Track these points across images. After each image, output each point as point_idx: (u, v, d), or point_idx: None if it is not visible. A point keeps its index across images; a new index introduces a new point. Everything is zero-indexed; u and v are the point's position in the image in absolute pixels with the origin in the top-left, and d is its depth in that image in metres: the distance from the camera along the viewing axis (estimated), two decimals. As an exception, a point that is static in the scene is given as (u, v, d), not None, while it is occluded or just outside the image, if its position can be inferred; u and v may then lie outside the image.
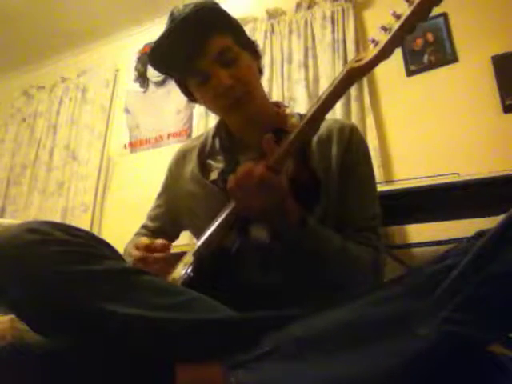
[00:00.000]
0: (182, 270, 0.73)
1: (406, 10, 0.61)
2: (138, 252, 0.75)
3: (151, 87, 2.96)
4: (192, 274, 0.72)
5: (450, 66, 2.06)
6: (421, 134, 2.03)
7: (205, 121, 2.53)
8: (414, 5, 0.60)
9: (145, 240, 0.78)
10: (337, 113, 2.08)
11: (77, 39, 3.25)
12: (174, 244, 0.98)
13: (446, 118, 2.00)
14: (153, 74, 2.94)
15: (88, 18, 3.03)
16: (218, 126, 0.95)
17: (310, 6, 2.44)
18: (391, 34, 0.62)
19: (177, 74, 0.89)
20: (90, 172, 2.89)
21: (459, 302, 0.49)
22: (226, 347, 0.54)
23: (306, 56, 2.34)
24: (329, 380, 0.48)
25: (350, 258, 0.74)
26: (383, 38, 0.63)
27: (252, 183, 0.66)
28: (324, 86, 2.20)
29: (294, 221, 0.69)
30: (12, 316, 0.63)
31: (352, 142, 0.85)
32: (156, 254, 0.74)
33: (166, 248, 0.75)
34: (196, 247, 0.74)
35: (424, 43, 2.14)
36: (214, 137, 0.95)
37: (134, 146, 2.91)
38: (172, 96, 2.79)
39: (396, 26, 0.62)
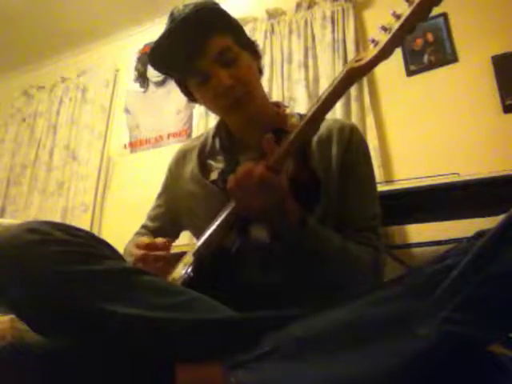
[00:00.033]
0: (181, 270, 0.73)
1: (405, 10, 0.61)
2: (138, 250, 0.75)
3: (151, 87, 2.96)
4: (192, 274, 0.72)
5: (450, 65, 2.06)
6: (421, 134, 2.03)
7: (205, 121, 2.53)
8: (414, 5, 0.60)
9: (146, 239, 0.78)
10: (337, 113, 2.08)
11: (77, 39, 3.25)
12: (173, 244, 0.98)
13: (446, 118, 2.00)
14: (153, 74, 2.94)
15: (88, 18, 3.03)
16: (218, 126, 0.95)
17: (310, 6, 2.44)
18: (391, 33, 0.62)
19: (177, 74, 0.89)
20: (90, 172, 2.89)
21: (459, 301, 0.49)
22: (226, 347, 0.54)
23: (305, 56, 2.34)
24: (329, 380, 0.48)
25: (350, 258, 0.74)
26: (383, 38, 0.63)
27: (252, 183, 0.66)
28: (324, 85, 2.20)
29: (294, 221, 0.69)
30: (12, 316, 0.63)
31: (352, 141, 0.85)
32: (157, 253, 0.74)
33: (166, 246, 0.75)
34: (196, 247, 0.74)
35: (424, 43, 2.14)
36: (214, 137, 0.95)
37: (133, 145, 2.91)
38: (172, 96, 2.79)
39: (396, 26, 0.62)
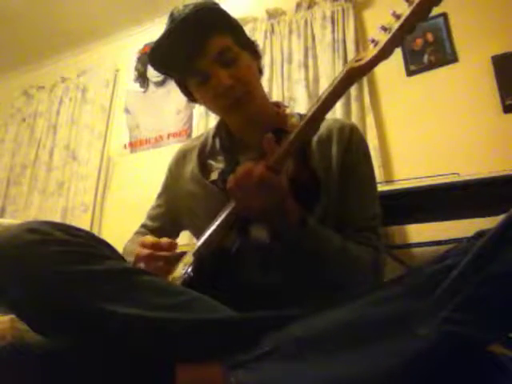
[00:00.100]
0: (181, 270, 0.73)
1: (405, 10, 0.61)
2: (144, 249, 0.75)
3: (151, 87, 2.96)
4: (192, 274, 0.72)
5: (450, 65, 2.06)
6: (421, 134, 2.03)
7: (205, 121, 2.53)
8: (414, 5, 0.60)
9: (150, 238, 0.77)
10: (337, 112, 2.08)
11: (77, 39, 3.25)
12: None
13: (446, 118, 2.00)
14: (153, 74, 2.94)
15: (88, 18, 3.03)
16: (218, 126, 0.95)
17: (310, 6, 2.44)
18: (391, 33, 0.62)
19: (177, 74, 0.89)
20: (90, 172, 2.89)
21: (459, 301, 0.49)
22: (226, 347, 0.53)
23: (305, 56, 2.34)
24: (329, 380, 0.48)
25: (350, 258, 0.74)
26: (383, 38, 0.63)
27: (252, 183, 0.66)
28: (324, 85, 2.20)
29: (294, 221, 0.69)
30: (12, 316, 0.63)
31: (352, 141, 0.85)
32: (162, 253, 0.74)
33: (172, 247, 0.75)
34: (196, 247, 0.74)
35: (424, 43, 2.14)
36: (214, 137, 0.95)
37: (134, 145, 2.91)
38: (172, 96, 2.79)
39: (396, 25, 0.62)
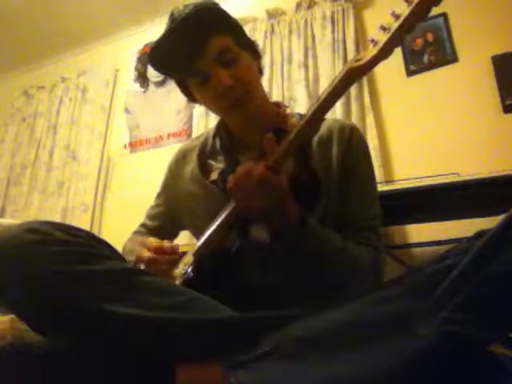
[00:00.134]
0: (181, 270, 0.73)
1: (405, 10, 0.61)
2: (146, 252, 0.74)
3: (151, 87, 2.96)
4: (192, 274, 0.72)
5: (450, 65, 2.06)
6: (421, 134, 2.03)
7: (205, 121, 2.53)
8: (413, 5, 0.60)
9: (153, 240, 0.77)
10: (337, 112, 2.09)
11: (77, 39, 3.25)
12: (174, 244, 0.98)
13: (446, 118, 2.00)
14: (153, 74, 2.94)
15: (88, 18, 3.03)
16: (219, 126, 0.95)
17: (310, 6, 2.44)
18: (390, 33, 0.62)
19: (177, 74, 0.89)
20: (90, 172, 2.89)
21: (459, 301, 0.49)
22: (226, 347, 0.54)
23: (306, 56, 2.34)
24: (329, 380, 0.48)
25: (350, 257, 0.74)
26: (382, 38, 0.63)
27: (252, 183, 0.66)
28: (324, 85, 2.20)
29: (294, 221, 0.69)
30: (12, 316, 0.63)
31: (352, 141, 0.85)
32: (166, 257, 0.73)
33: (174, 251, 0.75)
34: (196, 247, 0.74)
35: (424, 43, 2.14)
36: (214, 137, 0.95)
37: (134, 145, 2.91)
38: (172, 96, 2.79)
39: (395, 25, 0.62)
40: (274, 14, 2.53)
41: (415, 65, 2.14)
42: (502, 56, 1.93)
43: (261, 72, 0.91)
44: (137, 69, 3.06)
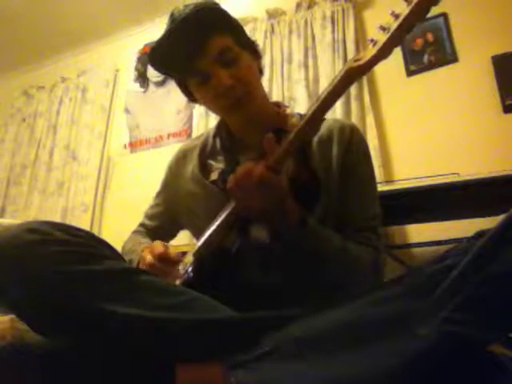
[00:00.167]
0: (181, 270, 0.73)
1: (404, 10, 0.61)
2: (151, 258, 0.73)
3: (151, 87, 2.96)
4: (192, 274, 0.72)
5: (450, 65, 2.06)
6: (421, 133, 2.03)
7: (205, 121, 2.53)
8: (412, 4, 0.60)
9: (159, 245, 0.76)
10: (337, 112, 2.09)
11: (77, 39, 3.25)
12: (173, 244, 0.98)
13: (446, 118, 2.00)
14: (153, 74, 2.94)
15: (88, 18, 3.03)
16: (219, 126, 0.95)
17: (310, 6, 2.44)
18: (389, 33, 0.62)
19: (177, 74, 0.89)
20: (90, 172, 2.89)
21: (459, 301, 0.49)
22: (226, 347, 0.54)
23: (305, 56, 2.34)
24: (329, 380, 0.48)
25: (350, 257, 0.74)
26: (382, 38, 0.63)
27: (251, 183, 0.66)
28: (324, 85, 2.20)
29: (294, 221, 0.69)
30: (12, 316, 0.63)
31: (352, 142, 0.85)
32: (169, 268, 0.73)
33: (179, 261, 0.74)
34: (196, 247, 0.74)
35: (424, 43, 2.14)
36: (214, 137, 0.95)
37: (134, 145, 2.91)
38: (172, 96, 2.79)
39: (394, 25, 0.62)
40: (274, 14, 2.53)
41: (415, 65, 2.14)
42: (501, 56, 1.93)
43: (261, 72, 0.91)
44: (137, 69, 3.06)
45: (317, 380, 0.48)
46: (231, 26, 0.84)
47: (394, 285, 0.57)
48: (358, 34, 2.27)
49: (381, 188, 1.29)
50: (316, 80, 2.28)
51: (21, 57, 3.43)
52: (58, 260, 0.54)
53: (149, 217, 1.03)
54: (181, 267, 0.74)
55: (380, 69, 2.19)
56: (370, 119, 2.09)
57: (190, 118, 2.72)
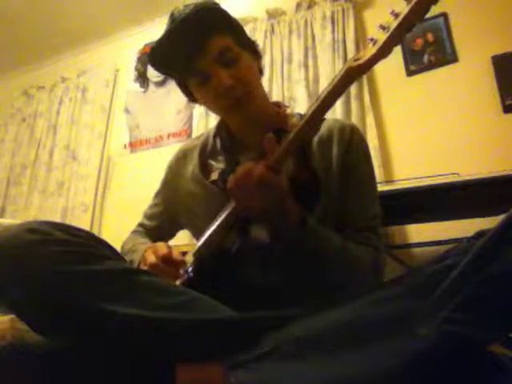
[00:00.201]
0: (181, 270, 0.73)
1: (404, 9, 0.61)
2: (157, 261, 0.73)
3: (151, 87, 2.96)
4: (192, 274, 0.72)
5: (450, 65, 2.06)
6: (421, 133, 2.03)
7: (205, 121, 2.53)
8: (412, 3, 0.60)
9: (163, 246, 0.75)
10: (337, 112, 2.09)
11: (77, 39, 3.25)
12: (173, 244, 0.98)
13: (446, 118, 2.00)
14: (153, 74, 2.94)
15: (88, 18, 3.03)
16: (219, 126, 0.95)
17: (310, 6, 2.44)
18: (389, 32, 0.62)
19: (177, 74, 0.89)
20: (90, 172, 2.89)
21: (459, 301, 0.49)
22: (226, 347, 0.54)
23: (306, 56, 2.34)
24: (329, 380, 0.48)
25: (350, 258, 0.74)
26: (382, 37, 0.63)
27: (251, 183, 0.66)
28: (324, 85, 2.20)
29: (294, 221, 0.69)
30: (12, 316, 0.63)
31: (352, 142, 0.85)
32: (172, 269, 0.72)
33: (182, 264, 0.74)
34: (196, 247, 0.74)
35: (424, 43, 2.14)
36: (214, 137, 0.95)
37: (134, 145, 2.91)
38: (172, 96, 2.79)
39: (394, 24, 0.61)
40: (274, 14, 2.53)
41: (415, 65, 2.14)
42: (501, 56, 1.93)
43: (261, 72, 0.91)
44: (137, 69, 3.06)
45: (317, 380, 0.48)
46: (231, 26, 0.83)
47: (394, 285, 0.57)
48: (357, 34, 2.27)
49: (381, 188, 1.29)
50: (316, 80, 2.28)
51: (21, 57, 3.43)
52: (58, 260, 0.54)
53: (148, 217, 1.03)
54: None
55: (380, 69, 2.19)
56: (370, 119, 2.09)
57: (190, 118, 2.72)
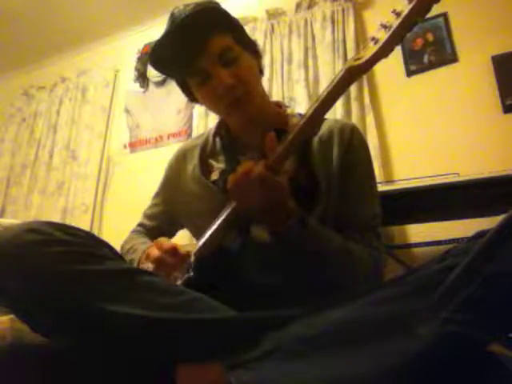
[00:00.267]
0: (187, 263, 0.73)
1: (405, 8, 0.61)
2: (162, 255, 0.73)
3: (151, 87, 2.96)
4: (192, 274, 0.72)
5: (450, 66, 2.06)
6: (421, 133, 2.03)
7: (205, 121, 2.53)
8: (414, 2, 0.60)
9: (166, 241, 0.75)
10: (337, 111, 2.08)
11: (77, 39, 3.25)
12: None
13: (446, 117, 2.00)
14: (153, 74, 2.94)
15: (88, 18, 3.03)
16: (219, 126, 0.95)
17: (310, 6, 2.44)
18: (391, 31, 0.62)
19: (177, 74, 0.89)
20: (90, 172, 2.89)
21: (459, 302, 0.49)
22: (226, 347, 0.53)
23: (306, 56, 2.34)
24: (329, 380, 0.48)
25: (351, 257, 0.74)
26: (383, 36, 0.63)
27: (251, 183, 0.66)
28: (324, 86, 2.20)
29: (295, 221, 0.69)
30: (12, 316, 0.63)
31: (353, 142, 0.85)
32: (177, 261, 0.72)
33: (187, 257, 0.73)
34: (196, 247, 0.74)
35: (424, 43, 2.14)
36: (214, 136, 0.95)
37: (133, 146, 2.91)
38: (172, 96, 2.79)
39: (396, 23, 0.61)
40: (274, 14, 2.53)
41: (415, 65, 2.14)
42: (501, 56, 1.93)
43: (261, 72, 0.91)
44: (137, 69, 3.06)
45: (317, 380, 0.48)
46: (231, 26, 0.83)
47: (394, 285, 0.57)
48: (358, 34, 2.27)
49: (381, 188, 1.29)
50: (316, 80, 2.28)
51: (21, 57, 3.43)
52: (59, 260, 0.54)
53: (148, 216, 1.03)
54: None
55: (380, 69, 2.19)
56: (370, 119, 2.09)
57: (190, 118, 2.72)
